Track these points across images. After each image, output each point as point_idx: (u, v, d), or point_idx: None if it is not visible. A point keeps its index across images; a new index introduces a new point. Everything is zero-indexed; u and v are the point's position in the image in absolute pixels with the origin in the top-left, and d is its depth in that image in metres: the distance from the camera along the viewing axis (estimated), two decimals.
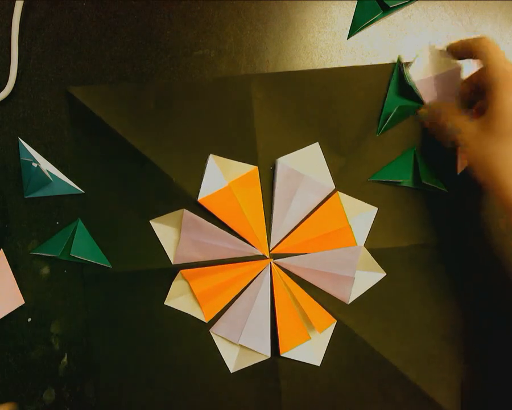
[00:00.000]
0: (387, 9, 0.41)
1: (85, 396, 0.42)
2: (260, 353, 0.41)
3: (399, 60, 0.40)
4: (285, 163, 0.40)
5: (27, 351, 0.41)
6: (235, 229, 0.41)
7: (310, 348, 0.41)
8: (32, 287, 0.41)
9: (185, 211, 0.40)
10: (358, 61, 0.41)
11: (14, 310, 0.41)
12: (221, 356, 0.41)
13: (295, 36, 0.41)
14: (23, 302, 0.41)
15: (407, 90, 0.40)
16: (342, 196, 0.41)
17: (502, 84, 0.34)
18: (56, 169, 0.41)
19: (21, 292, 0.41)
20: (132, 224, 0.41)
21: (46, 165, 0.41)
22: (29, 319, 0.41)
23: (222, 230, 0.40)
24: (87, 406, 0.42)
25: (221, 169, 0.41)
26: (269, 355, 0.41)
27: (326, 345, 0.41)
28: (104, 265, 0.41)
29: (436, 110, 0.39)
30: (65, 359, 0.41)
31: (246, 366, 0.41)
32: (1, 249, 0.41)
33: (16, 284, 0.41)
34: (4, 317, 0.41)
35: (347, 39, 0.42)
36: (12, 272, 0.41)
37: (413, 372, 0.41)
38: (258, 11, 0.41)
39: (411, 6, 0.41)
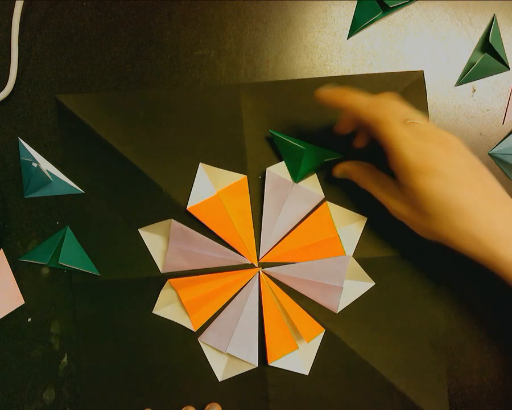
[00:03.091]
0: (387, 9, 0.41)
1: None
2: (248, 362, 0.41)
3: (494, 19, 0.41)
4: (274, 172, 0.40)
5: (27, 351, 0.41)
6: (223, 238, 0.41)
7: (298, 358, 0.41)
8: (32, 287, 0.41)
9: (173, 221, 0.40)
10: (358, 61, 0.41)
11: (14, 310, 0.41)
12: (209, 364, 0.41)
13: (295, 36, 0.41)
14: (23, 302, 0.41)
15: (491, 50, 0.41)
16: (331, 206, 0.41)
17: (410, 166, 0.33)
18: (56, 169, 0.41)
19: (21, 292, 0.41)
20: (121, 232, 0.41)
21: (46, 166, 0.41)
22: (29, 319, 0.41)
23: (210, 239, 0.40)
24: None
25: (210, 178, 0.41)
26: (256, 364, 0.41)
27: (315, 354, 0.41)
28: (92, 273, 0.41)
29: (355, 175, 0.39)
30: (65, 359, 0.41)
31: (234, 375, 0.41)
32: (1, 249, 0.41)
33: (16, 284, 0.41)
34: (4, 317, 0.41)
35: (347, 39, 0.42)
36: (12, 272, 0.41)
37: (401, 381, 0.41)
38: (258, 11, 0.41)
39: (411, 6, 0.41)
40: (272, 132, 0.40)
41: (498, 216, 0.33)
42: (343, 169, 0.39)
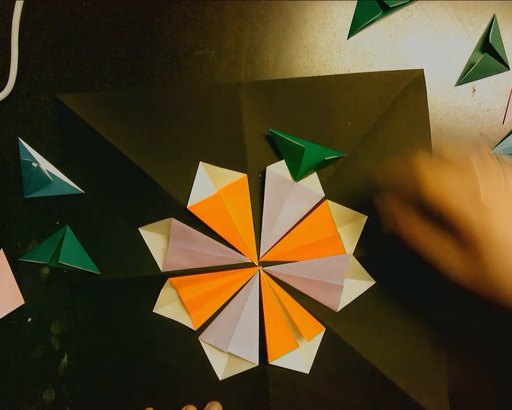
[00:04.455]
0: (387, 9, 0.41)
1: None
2: (248, 361, 0.41)
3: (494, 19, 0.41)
4: (274, 171, 0.40)
5: (27, 351, 0.41)
6: (224, 237, 0.41)
7: (298, 356, 0.41)
8: (32, 287, 0.41)
9: (173, 220, 0.40)
10: (358, 61, 0.41)
11: (14, 310, 0.41)
12: (210, 363, 0.41)
13: (295, 36, 0.41)
14: (23, 302, 0.41)
15: (491, 50, 0.41)
16: (331, 204, 0.41)
17: (480, 238, 0.29)
18: (56, 169, 0.41)
19: (21, 292, 0.41)
20: (121, 231, 0.41)
21: (46, 166, 0.41)
22: (29, 319, 0.41)
23: (210, 238, 0.40)
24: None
25: (210, 176, 0.41)
26: (257, 363, 0.41)
27: (315, 353, 0.41)
28: (93, 272, 0.41)
29: (403, 222, 0.35)
30: (65, 359, 0.41)
31: (234, 374, 0.41)
32: (1, 249, 0.41)
33: (16, 284, 0.41)
34: (4, 317, 0.41)
35: (347, 39, 0.42)
36: (12, 272, 0.41)
37: (401, 379, 0.41)
38: (258, 11, 0.41)
39: (411, 6, 0.41)
40: (272, 131, 0.40)
41: None
42: (399, 225, 0.34)
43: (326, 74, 0.41)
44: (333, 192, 0.41)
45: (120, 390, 0.41)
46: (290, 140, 0.39)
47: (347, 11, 0.41)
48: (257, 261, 0.41)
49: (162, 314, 0.41)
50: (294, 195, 0.40)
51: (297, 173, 0.40)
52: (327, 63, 0.41)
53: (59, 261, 0.40)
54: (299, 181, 0.40)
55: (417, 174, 0.31)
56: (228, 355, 0.42)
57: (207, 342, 0.41)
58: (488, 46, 0.41)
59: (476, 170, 0.31)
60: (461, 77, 0.42)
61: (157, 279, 0.41)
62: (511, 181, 0.30)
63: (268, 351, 0.40)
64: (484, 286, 0.31)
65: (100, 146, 0.40)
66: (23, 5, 0.39)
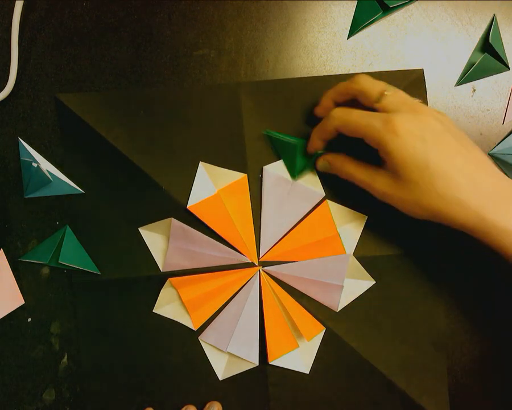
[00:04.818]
0: (387, 9, 0.41)
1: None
2: (248, 361, 0.41)
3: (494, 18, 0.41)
4: (272, 171, 0.40)
5: (26, 351, 0.41)
6: (224, 237, 0.41)
7: (299, 356, 0.41)
8: (32, 287, 0.41)
9: (173, 220, 0.40)
10: (358, 61, 0.41)
11: (14, 310, 0.41)
12: (210, 363, 0.41)
13: (295, 36, 0.41)
14: (23, 302, 0.41)
15: (491, 50, 0.41)
16: (331, 204, 0.41)
17: (387, 139, 0.33)
18: (56, 169, 0.41)
19: (21, 292, 0.41)
20: (122, 231, 0.41)
21: (46, 166, 0.41)
22: (29, 319, 0.41)
23: (210, 238, 0.40)
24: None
25: (210, 176, 0.41)
26: (257, 363, 0.41)
27: (315, 353, 0.41)
28: (93, 272, 0.41)
29: (337, 164, 0.38)
30: (65, 359, 0.41)
31: (234, 374, 0.41)
32: (1, 249, 0.41)
33: (16, 284, 0.41)
34: (4, 317, 0.41)
35: (347, 39, 0.42)
36: (12, 272, 0.41)
37: (401, 379, 0.41)
38: (258, 11, 0.41)
39: (411, 6, 0.41)
40: (266, 132, 0.40)
41: (483, 179, 0.32)
42: (326, 160, 0.38)
43: (326, 74, 0.41)
44: (333, 191, 0.41)
45: (120, 390, 0.41)
46: (282, 138, 0.39)
47: (347, 11, 0.41)
48: (257, 261, 0.41)
49: (162, 314, 0.41)
50: (294, 194, 0.40)
51: (294, 170, 0.40)
52: (327, 63, 0.41)
53: (59, 261, 0.40)
54: (299, 181, 0.40)
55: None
56: (228, 355, 0.41)
57: (207, 342, 0.41)
58: (488, 46, 0.41)
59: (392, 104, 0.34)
60: (461, 77, 0.42)
61: (157, 279, 0.41)
62: (422, 111, 0.34)
63: (268, 351, 0.40)
64: (419, 211, 0.34)
65: (100, 146, 0.40)
66: (23, 5, 0.39)
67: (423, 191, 0.33)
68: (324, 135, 0.37)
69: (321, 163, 0.39)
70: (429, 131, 0.33)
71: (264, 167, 0.40)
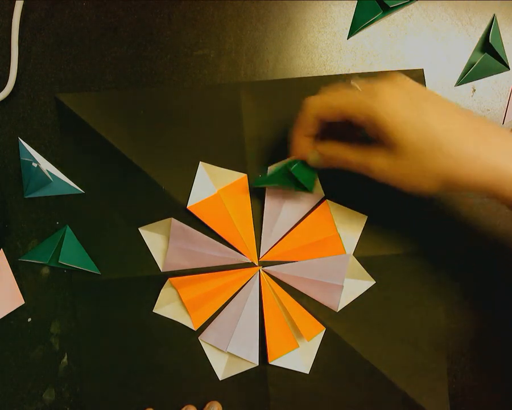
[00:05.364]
0: (387, 9, 0.41)
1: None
2: (248, 361, 0.41)
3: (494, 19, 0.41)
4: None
5: (26, 351, 0.41)
6: (224, 237, 0.41)
7: (298, 356, 0.41)
8: (32, 287, 0.41)
9: (173, 220, 0.40)
10: (358, 61, 0.41)
11: (14, 310, 0.41)
12: (210, 363, 0.41)
13: (295, 36, 0.41)
14: (23, 302, 0.41)
15: (491, 50, 0.41)
16: (331, 204, 0.41)
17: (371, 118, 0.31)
18: (56, 169, 0.41)
19: (21, 292, 0.41)
20: (121, 232, 0.41)
21: (46, 165, 0.41)
22: (29, 319, 0.41)
23: (210, 238, 0.40)
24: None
25: (210, 176, 0.41)
26: (257, 363, 0.41)
27: (315, 353, 0.41)
28: (93, 272, 0.41)
29: (328, 152, 0.35)
30: (65, 359, 0.41)
31: (234, 374, 0.41)
32: (1, 249, 0.41)
33: (16, 284, 0.41)
34: (4, 317, 0.41)
35: (347, 39, 0.42)
36: (12, 272, 0.41)
37: (401, 379, 0.41)
38: (258, 11, 0.41)
39: (411, 6, 0.41)
40: (255, 185, 0.40)
41: (490, 131, 0.30)
42: (317, 151, 0.35)
43: (326, 74, 0.41)
44: (332, 192, 0.41)
45: (120, 390, 0.41)
46: (277, 171, 0.38)
47: (347, 11, 0.41)
48: (257, 261, 0.41)
49: (162, 314, 0.41)
50: (294, 194, 0.40)
51: (305, 187, 0.38)
52: (327, 63, 0.41)
53: (59, 261, 0.40)
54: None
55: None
56: (228, 355, 0.41)
57: (207, 342, 0.41)
58: (488, 46, 0.41)
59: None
60: (461, 77, 0.42)
61: (157, 279, 0.41)
62: (397, 77, 0.32)
63: (268, 351, 0.40)
64: (426, 182, 0.31)
65: (100, 146, 0.40)
66: (23, 5, 0.39)
67: (427, 157, 0.30)
68: (306, 129, 0.35)
69: (311, 157, 0.36)
70: (415, 93, 0.31)
71: (269, 168, 0.40)
